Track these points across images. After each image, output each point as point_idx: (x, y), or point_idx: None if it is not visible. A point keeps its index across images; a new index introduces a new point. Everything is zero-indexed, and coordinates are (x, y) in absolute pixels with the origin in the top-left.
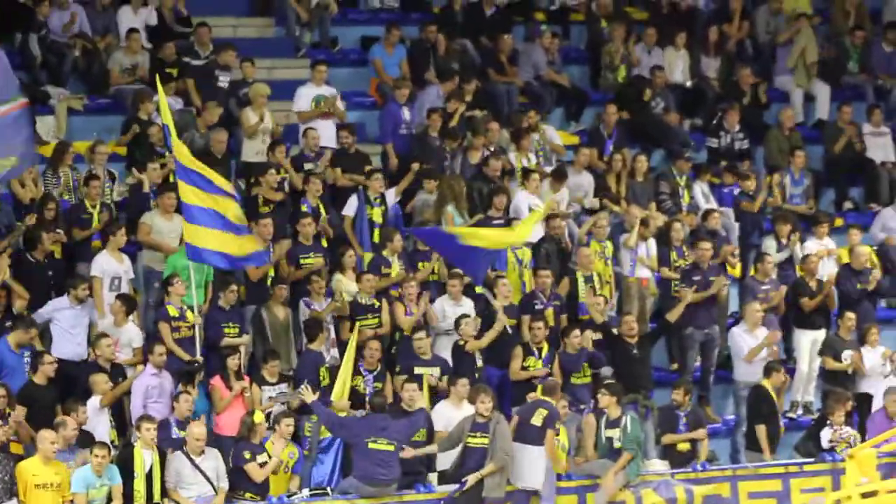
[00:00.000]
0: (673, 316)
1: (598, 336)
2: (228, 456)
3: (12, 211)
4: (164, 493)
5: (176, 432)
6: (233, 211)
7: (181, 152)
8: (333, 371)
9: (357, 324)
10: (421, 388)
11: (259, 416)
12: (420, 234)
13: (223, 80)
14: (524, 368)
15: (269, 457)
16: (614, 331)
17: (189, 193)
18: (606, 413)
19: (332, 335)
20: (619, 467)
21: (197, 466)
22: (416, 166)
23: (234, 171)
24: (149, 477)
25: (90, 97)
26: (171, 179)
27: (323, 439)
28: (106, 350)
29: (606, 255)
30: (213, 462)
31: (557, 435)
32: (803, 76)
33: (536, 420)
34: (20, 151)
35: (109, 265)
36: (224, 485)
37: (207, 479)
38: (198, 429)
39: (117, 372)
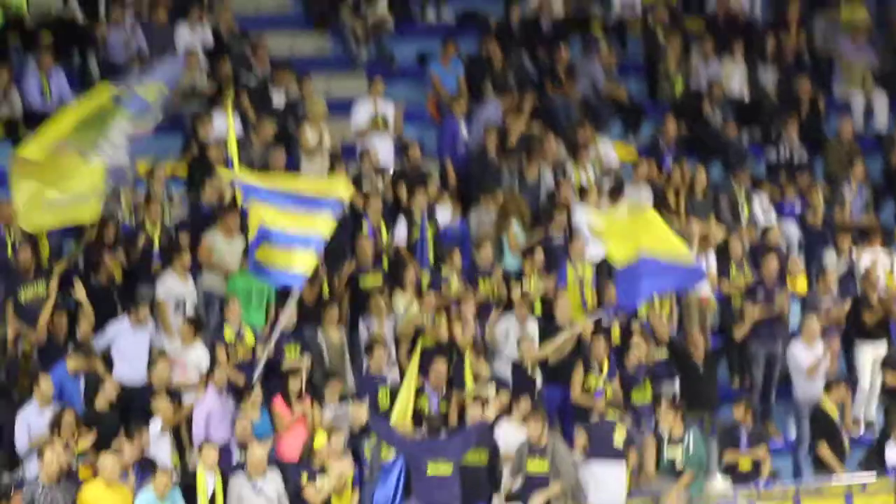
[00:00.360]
0: (739, 333)
1: (663, 354)
2: (289, 482)
3: (62, 232)
4: None
5: (236, 455)
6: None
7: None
8: (394, 392)
9: (419, 342)
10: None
11: (320, 441)
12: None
13: (278, 100)
14: (585, 390)
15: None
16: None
17: (265, 214)
18: (669, 431)
19: (393, 355)
20: (682, 487)
21: (259, 489)
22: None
23: None
24: (212, 501)
25: None
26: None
27: (384, 461)
28: (162, 374)
29: None
30: (275, 484)
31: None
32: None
33: (618, 438)
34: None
35: (175, 287)
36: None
37: (268, 501)
38: (258, 450)
39: (173, 396)
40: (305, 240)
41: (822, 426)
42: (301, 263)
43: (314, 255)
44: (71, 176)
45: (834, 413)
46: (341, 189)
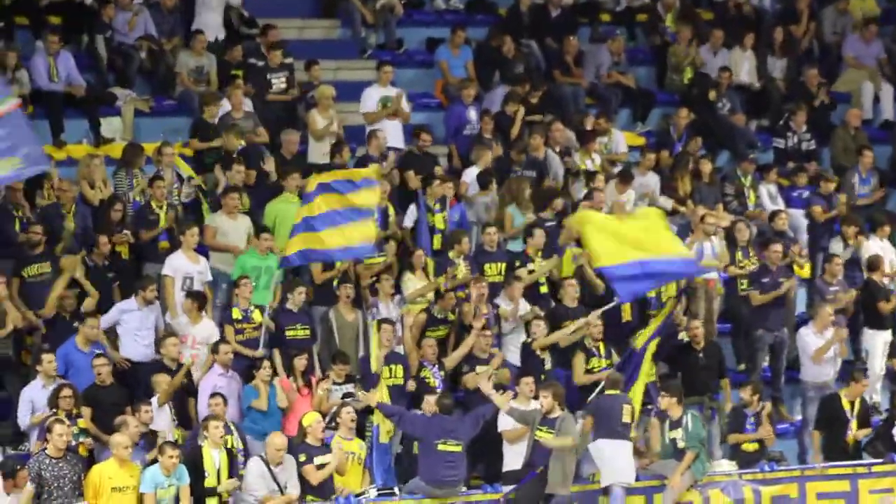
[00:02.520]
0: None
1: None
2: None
3: (90, 214)
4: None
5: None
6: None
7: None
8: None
9: (376, 323)
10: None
11: (309, 419)
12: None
13: (277, 82)
14: (589, 371)
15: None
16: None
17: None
18: (668, 414)
19: (399, 332)
20: (685, 467)
21: (274, 476)
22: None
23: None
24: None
25: (156, 98)
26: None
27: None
28: (171, 350)
29: None
30: (289, 472)
31: None
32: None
33: (627, 417)
34: (23, 153)
35: (182, 265)
36: (294, 491)
37: (280, 488)
38: (279, 439)
39: (173, 372)
40: (355, 213)
41: (827, 417)
42: (361, 235)
43: (372, 224)
44: None
45: (846, 406)
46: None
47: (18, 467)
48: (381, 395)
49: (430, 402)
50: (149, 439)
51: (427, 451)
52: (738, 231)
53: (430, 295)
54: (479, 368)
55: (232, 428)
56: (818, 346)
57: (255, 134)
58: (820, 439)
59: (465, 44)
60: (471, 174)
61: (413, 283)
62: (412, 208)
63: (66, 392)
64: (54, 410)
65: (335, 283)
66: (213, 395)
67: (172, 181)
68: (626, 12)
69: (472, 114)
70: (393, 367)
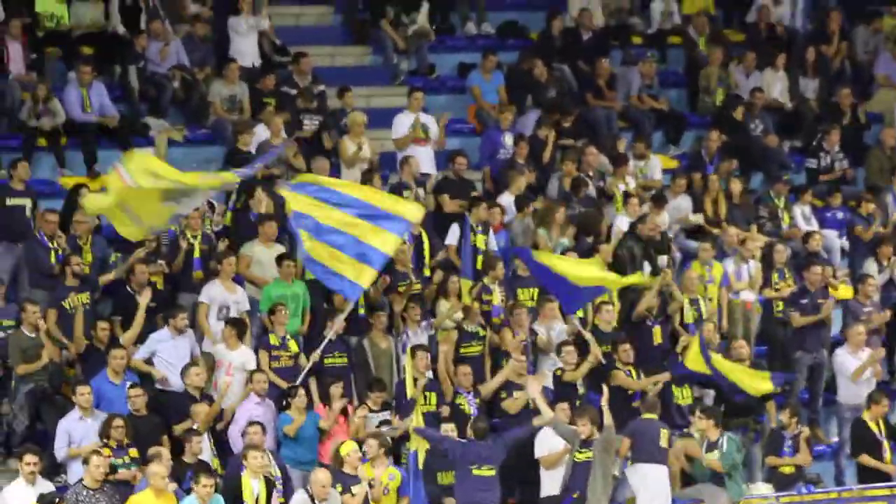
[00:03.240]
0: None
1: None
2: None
3: (107, 243)
4: None
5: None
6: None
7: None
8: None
9: (409, 350)
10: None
11: (346, 448)
12: (523, 255)
13: (309, 124)
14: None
15: (370, 485)
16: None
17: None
18: (705, 437)
19: (428, 360)
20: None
21: None
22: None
23: None
24: None
25: (189, 128)
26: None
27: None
28: (195, 379)
29: (709, 278)
30: None
31: None
32: None
33: (664, 441)
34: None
35: (218, 293)
36: None
37: None
38: (322, 475)
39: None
40: (367, 253)
41: (862, 440)
42: (361, 276)
43: (375, 271)
44: (145, 208)
45: (873, 427)
46: (412, 211)
47: (57, 500)
48: (416, 421)
49: (445, 430)
50: (196, 470)
51: (462, 477)
52: (776, 252)
53: (460, 315)
54: (516, 394)
55: (270, 456)
56: (855, 366)
57: (293, 162)
58: (869, 457)
59: (496, 68)
60: (507, 199)
61: (447, 308)
62: (454, 228)
63: (118, 422)
64: (105, 441)
65: (362, 311)
66: (251, 423)
67: (205, 211)
68: (657, 35)
69: (508, 139)
70: (427, 393)
